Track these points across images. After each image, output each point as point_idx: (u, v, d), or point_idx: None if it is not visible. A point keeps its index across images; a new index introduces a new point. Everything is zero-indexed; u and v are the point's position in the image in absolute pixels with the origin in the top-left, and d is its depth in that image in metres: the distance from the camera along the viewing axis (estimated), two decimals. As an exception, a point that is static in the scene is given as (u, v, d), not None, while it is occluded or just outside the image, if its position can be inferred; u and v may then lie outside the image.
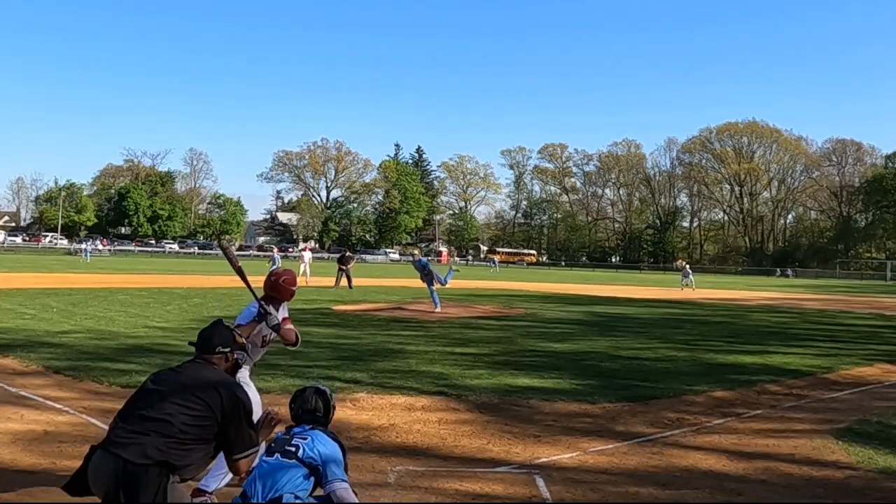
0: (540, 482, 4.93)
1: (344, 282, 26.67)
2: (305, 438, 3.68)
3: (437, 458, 5.50)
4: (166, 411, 3.18)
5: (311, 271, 30.88)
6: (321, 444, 3.66)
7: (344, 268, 27.11)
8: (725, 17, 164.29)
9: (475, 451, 5.71)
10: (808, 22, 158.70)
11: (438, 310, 17.38)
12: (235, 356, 3.74)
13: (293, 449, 3.60)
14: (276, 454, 3.60)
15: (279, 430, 3.83)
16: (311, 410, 3.91)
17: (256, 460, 3.58)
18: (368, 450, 5.62)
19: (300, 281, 29.11)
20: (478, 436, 6.16)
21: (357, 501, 3.62)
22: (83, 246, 61.49)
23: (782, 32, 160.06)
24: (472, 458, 5.49)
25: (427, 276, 18.60)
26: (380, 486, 4.78)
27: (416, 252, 20.43)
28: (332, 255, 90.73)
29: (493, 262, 78.74)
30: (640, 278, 63.62)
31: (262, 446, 3.71)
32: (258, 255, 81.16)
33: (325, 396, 3.99)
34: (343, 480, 3.61)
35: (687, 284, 38.44)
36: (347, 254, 30.32)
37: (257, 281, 5.18)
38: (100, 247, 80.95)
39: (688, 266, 42.34)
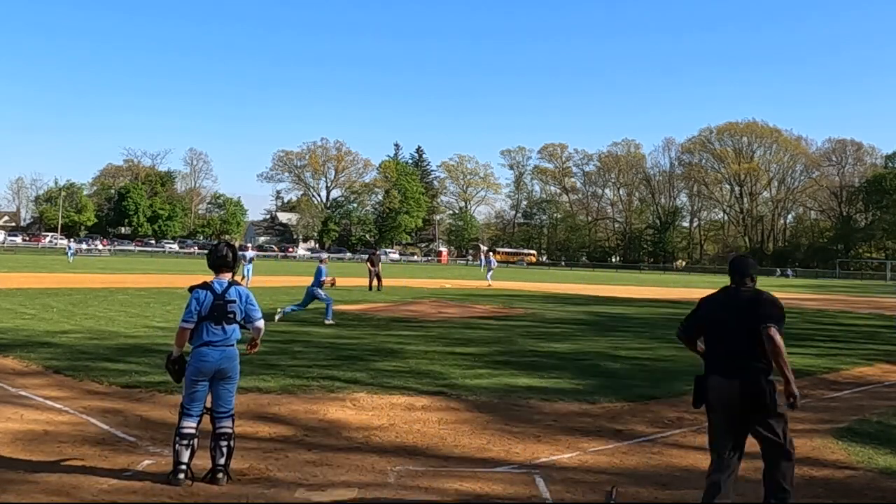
0: (540, 482, 4.93)
1: (374, 282, 26.64)
2: (234, 301, 4.83)
3: (437, 458, 5.50)
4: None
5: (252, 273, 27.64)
6: (244, 302, 4.88)
7: (374, 268, 27.11)
8: (725, 18, 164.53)
9: (475, 451, 5.71)
10: (808, 22, 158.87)
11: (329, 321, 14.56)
12: None
13: (232, 315, 4.82)
14: (223, 322, 4.78)
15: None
16: (223, 257, 4.94)
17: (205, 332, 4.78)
18: (368, 450, 5.61)
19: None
20: (478, 436, 6.16)
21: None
22: (69, 244, 60.80)
23: (782, 33, 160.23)
24: (472, 458, 5.49)
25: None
26: (380, 486, 4.78)
27: (324, 257, 18.39)
28: (330, 255, 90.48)
29: (482, 261, 78.82)
30: (640, 278, 63.59)
31: (205, 305, 4.78)
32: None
33: (233, 247, 5.08)
34: (260, 318, 4.99)
35: (487, 274, 34.87)
36: (377, 253, 30.51)
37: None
38: (100, 246, 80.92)
39: (488, 254, 38.01)
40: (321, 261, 16.82)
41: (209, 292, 4.83)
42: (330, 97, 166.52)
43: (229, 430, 4.82)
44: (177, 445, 4.68)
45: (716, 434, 4.19)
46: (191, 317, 4.78)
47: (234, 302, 4.84)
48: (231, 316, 4.82)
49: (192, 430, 4.73)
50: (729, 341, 4.15)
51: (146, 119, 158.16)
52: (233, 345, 4.87)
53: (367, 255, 32.48)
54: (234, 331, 4.87)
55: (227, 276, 4.96)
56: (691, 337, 4.39)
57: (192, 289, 4.91)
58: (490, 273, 35.44)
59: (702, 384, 4.22)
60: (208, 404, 4.87)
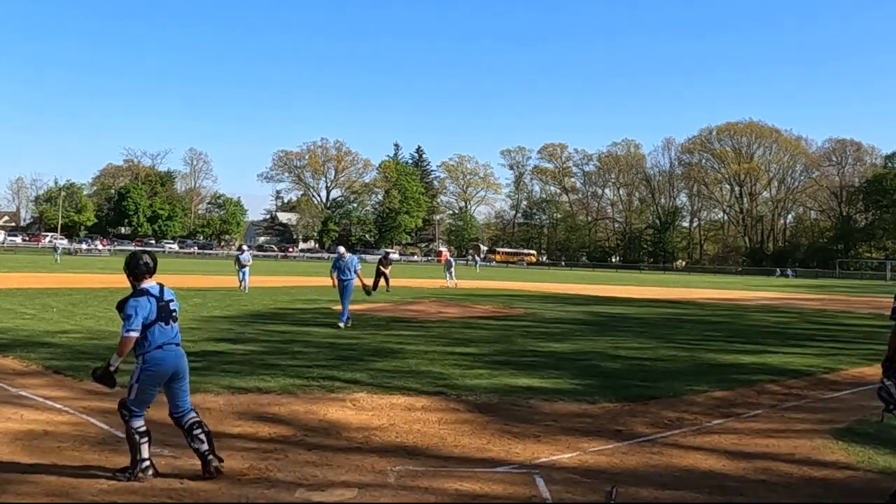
0: (540, 482, 4.93)
1: (381, 282, 26.55)
2: (172, 300, 4.93)
3: (437, 458, 5.50)
4: None
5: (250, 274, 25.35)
6: (175, 302, 4.97)
7: (385, 270, 27.04)
8: (725, 19, 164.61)
9: (475, 451, 5.71)
10: (808, 23, 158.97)
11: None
12: None
13: (175, 313, 4.93)
14: (171, 321, 4.85)
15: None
16: (145, 263, 4.97)
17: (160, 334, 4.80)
18: (368, 450, 5.61)
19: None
20: (478, 436, 6.16)
21: None
22: (56, 244, 59.81)
23: (782, 33, 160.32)
24: (472, 458, 5.48)
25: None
26: (380, 486, 4.77)
27: (341, 249, 16.26)
28: (330, 255, 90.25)
29: (477, 260, 78.25)
30: (640, 278, 63.60)
31: (151, 309, 4.75)
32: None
33: (153, 256, 5.06)
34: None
35: (449, 275, 34.06)
36: (391, 255, 30.24)
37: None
38: (100, 246, 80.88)
39: (449, 256, 37.06)
40: (340, 255, 15.29)
41: (150, 297, 4.79)
42: (330, 97, 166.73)
43: (197, 418, 4.90)
44: (140, 444, 4.70)
45: None
46: (137, 326, 4.66)
47: (172, 301, 4.94)
48: (175, 314, 4.93)
49: (146, 426, 4.80)
50: None
51: (146, 119, 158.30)
52: (180, 343, 4.95)
53: (380, 256, 32.12)
54: (177, 329, 4.97)
55: (151, 281, 4.91)
56: None
57: (125, 300, 4.77)
58: (451, 273, 34.88)
59: None
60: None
